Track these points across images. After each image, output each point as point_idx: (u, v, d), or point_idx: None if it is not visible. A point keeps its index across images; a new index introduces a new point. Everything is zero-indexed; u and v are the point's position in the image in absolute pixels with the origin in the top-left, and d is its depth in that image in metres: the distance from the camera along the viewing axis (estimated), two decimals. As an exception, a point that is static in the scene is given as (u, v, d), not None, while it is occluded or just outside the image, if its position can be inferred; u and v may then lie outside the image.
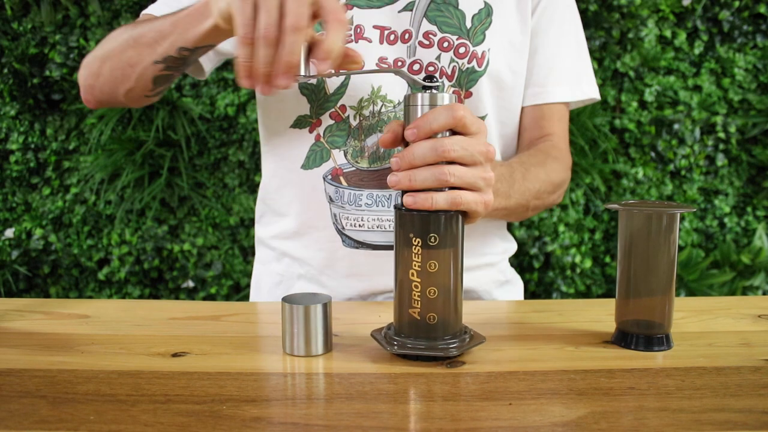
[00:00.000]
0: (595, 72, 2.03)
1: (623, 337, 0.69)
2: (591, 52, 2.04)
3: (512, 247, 1.05)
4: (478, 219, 0.66)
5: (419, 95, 0.62)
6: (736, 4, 2.03)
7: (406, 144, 0.63)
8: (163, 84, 0.87)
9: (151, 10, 0.94)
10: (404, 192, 0.62)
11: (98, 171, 1.99)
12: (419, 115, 0.62)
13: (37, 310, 0.84)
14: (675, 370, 0.61)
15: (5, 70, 2.02)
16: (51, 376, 0.61)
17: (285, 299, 0.67)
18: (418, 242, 0.62)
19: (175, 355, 0.66)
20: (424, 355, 0.63)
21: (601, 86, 2.03)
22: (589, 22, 2.02)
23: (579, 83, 0.99)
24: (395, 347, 0.64)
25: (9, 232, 2.08)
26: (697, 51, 2.06)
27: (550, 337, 0.72)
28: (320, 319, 0.66)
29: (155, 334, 0.73)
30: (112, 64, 0.86)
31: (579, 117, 1.93)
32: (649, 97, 2.04)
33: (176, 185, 2.03)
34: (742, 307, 0.83)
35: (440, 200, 0.60)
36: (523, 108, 0.99)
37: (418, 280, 0.62)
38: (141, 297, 2.08)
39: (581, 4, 2.00)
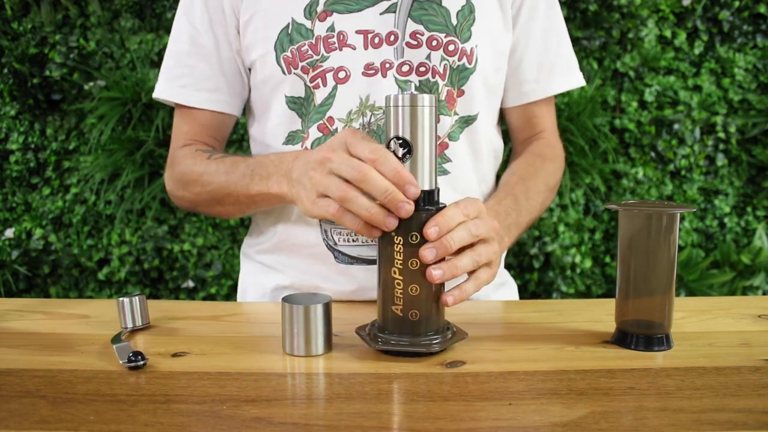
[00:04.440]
0: (595, 72, 2.03)
1: (623, 337, 0.69)
2: (591, 52, 2.04)
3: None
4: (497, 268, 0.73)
5: (400, 97, 0.64)
6: (736, 4, 2.03)
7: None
8: None
9: (163, 76, 0.96)
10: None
11: (98, 171, 1.99)
12: (401, 115, 0.64)
13: (37, 310, 0.84)
14: (675, 370, 0.61)
15: (5, 70, 2.02)
16: (51, 376, 0.61)
17: (285, 299, 0.67)
18: (400, 240, 0.63)
19: (175, 355, 0.66)
20: (406, 352, 0.64)
21: (601, 86, 2.03)
22: (589, 22, 2.02)
23: (568, 73, 0.99)
24: (379, 344, 0.64)
25: (9, 232, 2.08)
26: (697, 51, 2.06)
27: (550, 337, 0.72)
28: (320, 319, 0.66)
29: (155, 334, 0.73)
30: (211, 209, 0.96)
31: (579, 117, 1.93)
32: (649, 97, 2.04)
33: (176, 185, 2.03)
34: (742, 307, 0.83)
35: (470, 289, 0.69)
36: (514, 107, 0.99)
37: (400, 277, 0.63)
38: (141, 297, 2.08)
39: (581, 4, 2.00)
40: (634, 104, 2.05)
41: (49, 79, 2.02)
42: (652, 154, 2.08)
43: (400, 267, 0.63)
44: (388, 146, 0.65)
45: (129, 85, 1.95)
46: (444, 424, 0.51)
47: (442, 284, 0.66)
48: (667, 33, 2.04)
